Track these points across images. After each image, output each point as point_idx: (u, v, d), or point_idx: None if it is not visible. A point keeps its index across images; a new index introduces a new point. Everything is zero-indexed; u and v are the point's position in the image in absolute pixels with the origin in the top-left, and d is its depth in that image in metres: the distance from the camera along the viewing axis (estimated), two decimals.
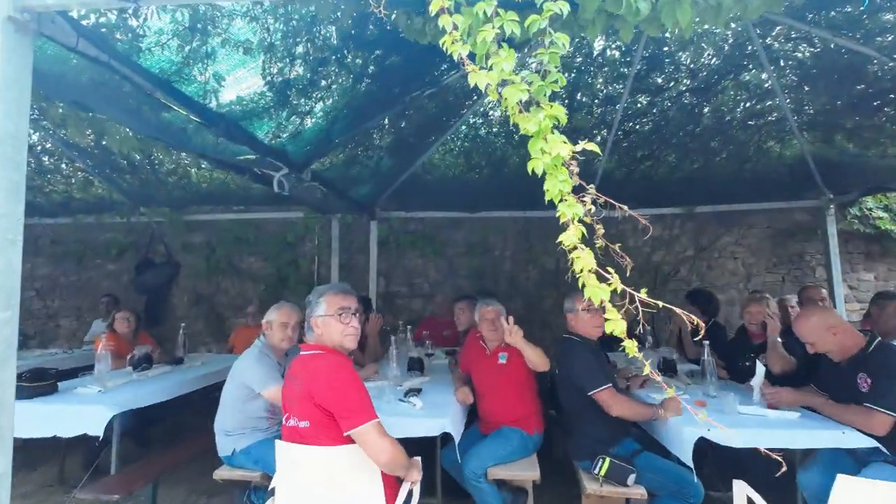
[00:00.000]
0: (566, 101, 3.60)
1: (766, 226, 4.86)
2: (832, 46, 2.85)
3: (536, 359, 2.43)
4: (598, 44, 3.20)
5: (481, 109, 3.76)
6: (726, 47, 3.09)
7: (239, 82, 2.23)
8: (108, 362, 2.91)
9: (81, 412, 2.42)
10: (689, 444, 1.98)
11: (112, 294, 5.14)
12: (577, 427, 2.39)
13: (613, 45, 3.20)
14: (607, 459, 2.13)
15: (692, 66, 3.30)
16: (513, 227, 5.19)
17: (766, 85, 3.36)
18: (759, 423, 2.13)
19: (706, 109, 3.60)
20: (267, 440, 2.34)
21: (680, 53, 3.23)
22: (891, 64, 2.77)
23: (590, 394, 2.23)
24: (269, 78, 2.27)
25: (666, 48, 3.17)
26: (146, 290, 5.64)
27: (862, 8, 2.48)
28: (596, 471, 2.13)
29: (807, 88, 3.32)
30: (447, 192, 4.78)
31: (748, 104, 3.58)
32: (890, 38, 2.65)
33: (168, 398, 2.99)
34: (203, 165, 4.21)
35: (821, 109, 3.46)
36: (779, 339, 2.82)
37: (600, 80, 3.50)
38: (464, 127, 4.05)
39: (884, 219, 4.55)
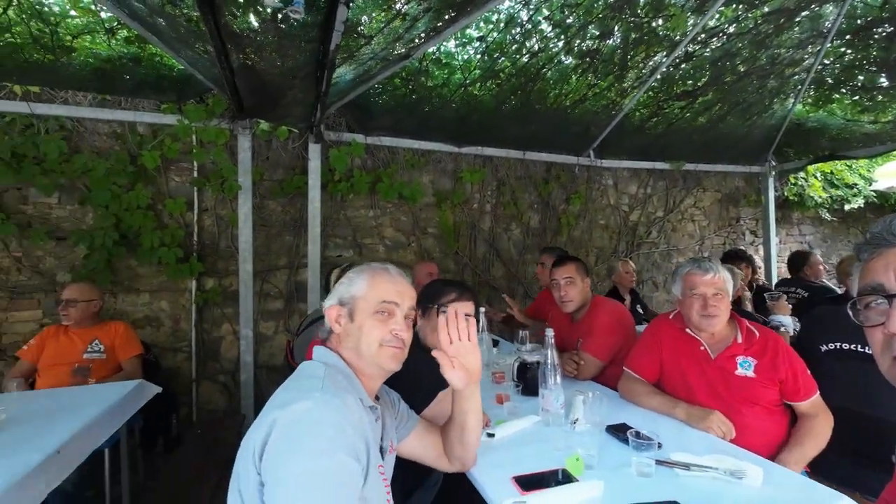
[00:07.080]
0: None
1: (715, 189, 5.05)
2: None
3: None
4: None
5: None
6: None
7: None
8: None
9: None
10: None
11: None
12: None
13: None
14: None
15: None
16: (500, 173, 4.10)
17: (826, 25, 3.18)
18: None
19: (766, 47, 3.24)
20: None
21: None
22: None
23: None
24: None
25: None
26: None
27: None
28: None
29: (837, 41, 3.25)
30: (430, 114, 3.38)
31: (786, 50, 3.36)
32: None
33: None
34: None
35: (847, 64, 3.47)
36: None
37: None
38: (502, 11, 2.78)
39: (812, 186, 5.25)
